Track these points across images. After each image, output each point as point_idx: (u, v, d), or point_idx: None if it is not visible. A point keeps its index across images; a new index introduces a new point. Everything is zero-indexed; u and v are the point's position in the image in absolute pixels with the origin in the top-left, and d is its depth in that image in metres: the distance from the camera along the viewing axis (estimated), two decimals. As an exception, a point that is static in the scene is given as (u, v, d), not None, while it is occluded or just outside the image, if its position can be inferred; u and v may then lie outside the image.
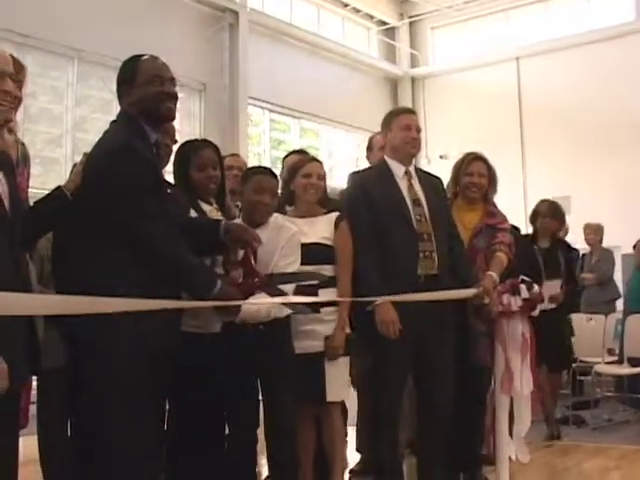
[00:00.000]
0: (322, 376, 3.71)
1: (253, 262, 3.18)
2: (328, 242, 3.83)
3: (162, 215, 2.85)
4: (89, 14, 10.33)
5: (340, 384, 3.81)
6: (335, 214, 3.91)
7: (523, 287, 4.29)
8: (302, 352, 3.66)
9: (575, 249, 6.99)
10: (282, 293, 3.23)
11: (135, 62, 3.01)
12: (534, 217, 6.20)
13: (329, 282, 3.75)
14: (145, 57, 3.03)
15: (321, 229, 3.85)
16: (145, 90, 2.94)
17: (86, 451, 2.91)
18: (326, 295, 3.72)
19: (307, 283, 3.58)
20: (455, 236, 4.20)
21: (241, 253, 3.22)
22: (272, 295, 3.16)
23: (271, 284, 3.20)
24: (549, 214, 6.09)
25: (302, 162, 4.02)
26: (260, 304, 3.23)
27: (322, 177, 3.95)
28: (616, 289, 8.41)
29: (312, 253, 3.72)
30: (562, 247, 6.24)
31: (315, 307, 3.65)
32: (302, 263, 3.62)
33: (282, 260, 3.52)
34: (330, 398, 3.77)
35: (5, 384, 2.41)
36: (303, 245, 3.69)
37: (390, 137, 4.16)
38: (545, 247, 6.07)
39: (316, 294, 3.67)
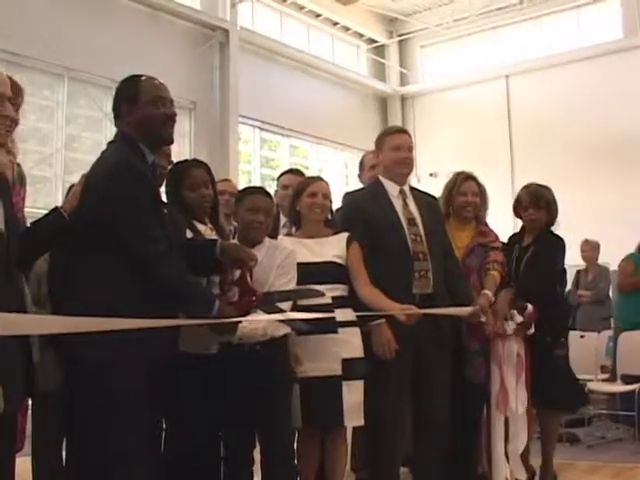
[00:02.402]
0: (339, 400, 3.61)
1: (249, 281, 3.18)
2: (340, 261, 3.78)
3: (161, 235, 2.85)
4: (79, 33, 10.34)
5: (358, 409, 3.69)
6: (345, 234, 3.86)
7: (514, 312, 4.30)
8: (318, 374, 3.61)
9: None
10: (280, 311, 3.23)
11: (137, 81, 3.01)
12: (516, 209, 4.79)
13: (344, 302, 3.73)
14: (144, 77, 3.02)
15: (332, 248, 3.80)
16: (148, 111, 2.94)
17: (82, 473, 2.89)
18: (343, 314, 3.66)
19: (321, 302, 3.56)
20: (451, 255, 4.20)
21: (237, 273, 3.22)
22: (269, 313, 3.15)
23: (268, 302, 3.20)
24: (530, 203, 4.62)
25: (307, 182, 3.99)
26: (259, 322, 3.22)
27: (327, 196, 3.90)
28: (612, 306, 8.40)
29: (325, 272, 3.71)
30: (541, 245, 4.57)
31: (333, 328, 3.61)
32: (314, 282, 3.60)
33: (278, 279, 3.50)
34: (348, 423, 3.71)
35: (1, 407, 2.39)
36: (315, 264, 3.68)
37: (382, 157, 4.16)
38: (525, 245, 4.68)
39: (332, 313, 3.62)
